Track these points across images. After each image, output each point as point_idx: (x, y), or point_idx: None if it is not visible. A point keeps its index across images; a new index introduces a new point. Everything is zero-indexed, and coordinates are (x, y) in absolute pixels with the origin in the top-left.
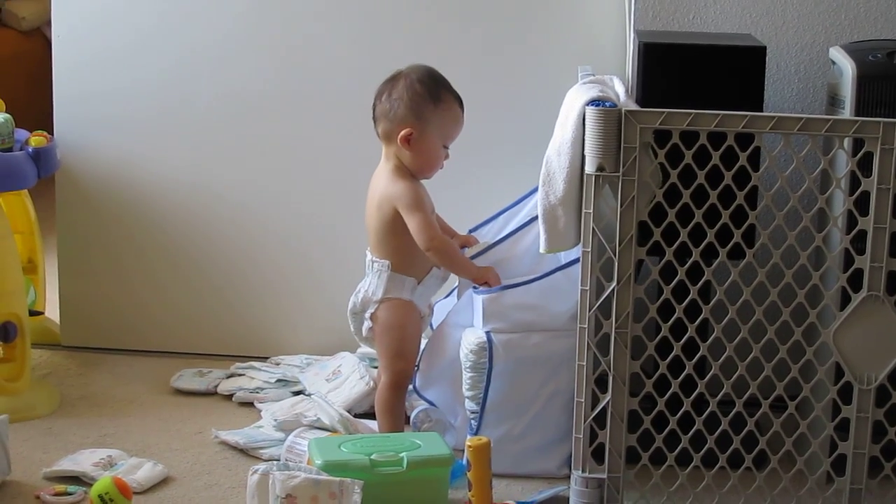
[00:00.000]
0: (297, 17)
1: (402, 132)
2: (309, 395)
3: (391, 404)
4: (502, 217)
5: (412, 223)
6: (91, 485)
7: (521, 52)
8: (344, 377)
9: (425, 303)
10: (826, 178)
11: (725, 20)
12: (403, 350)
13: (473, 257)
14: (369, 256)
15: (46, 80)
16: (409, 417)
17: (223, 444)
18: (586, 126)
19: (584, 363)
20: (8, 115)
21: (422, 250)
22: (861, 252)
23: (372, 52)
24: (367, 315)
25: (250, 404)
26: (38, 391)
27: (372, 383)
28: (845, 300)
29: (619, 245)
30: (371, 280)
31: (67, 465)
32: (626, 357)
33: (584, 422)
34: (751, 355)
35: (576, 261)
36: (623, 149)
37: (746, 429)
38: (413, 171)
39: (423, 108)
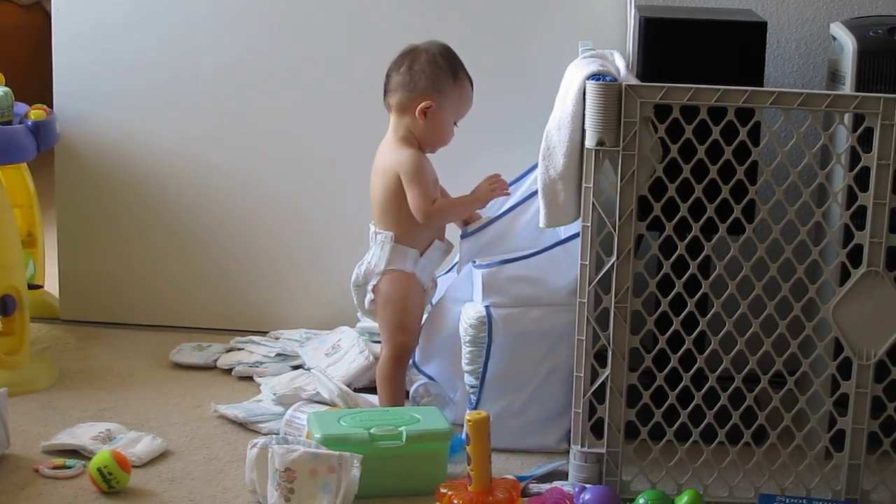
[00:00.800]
0: None
1: (422, 104)
2: (308, 369)
3: (392, 376)
4: None
5: (411, 195)
6: (90, 458)
7: (521, 26)
8: (343, 351)
9: (428, 276)
10: (826, 153)
11: None
12: (405, 322)
13: (472, 233)
14: (373, 228)
15: (46, 53)
16: (408, 392)
17: (222, 417)
18: (587, 100)
19: (584, 338)
20: (7, 89)
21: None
22: (861, 227)
23: (372, 25)
24: (370, 287)
25: (249, 378)
26: (37, 365)
27: (371, 358)
28: (845, 276)
29: (619, 220)
30: (374, 252)
31: (66, 438)
32: (626, 332)
33: (584, 396)
34: (750, 330)
35: (575, 235)
36: (623, 123)
37: (745, 404)
38: (422, 143)
39: (444, 82)
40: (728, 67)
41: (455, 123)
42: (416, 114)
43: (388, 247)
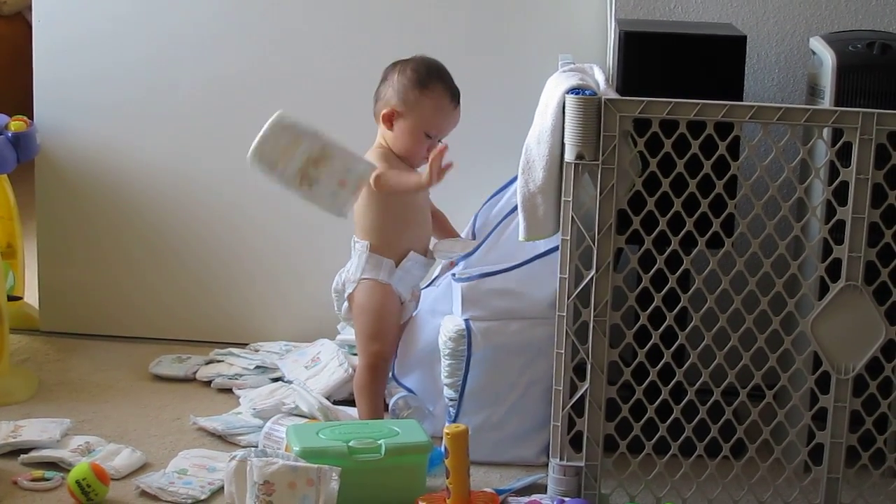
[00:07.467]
0: (280, 2)
1: (383, 111)
2: (288, 382)
3: (368, 386)
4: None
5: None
6: (68, 471)
7: (501, 39)
8: (323, 364)
9: (407, 287)
10: (805, 167)
11: (706, 9)
12: (379, 332)
13: (463, 258)
14: (354, 237)
15: (27, 64)
16: (387, 405)
17: (201, 430)
18: (566, 114)
19: (563, 351)
20: None
21: (398, 231)
22: (839, 242)
23: (354, 39)
24: (346, 294)
25: (229, 391)
26: (16, 376)
27: (351, 370)
28: (823, 290)
29: (599, 233)
30: (353, 260)
31: (45, 450)
32: (605, 345)
33: (563, 410)
34: (729, 344)
35: (555, 249)
36: (602, 137)
37: (724, 417)
38: (396, 154)
39: (408, 92)
40: (707, 82)
41: (429, 136)
42: (380, 120)
43: (364, 256)
